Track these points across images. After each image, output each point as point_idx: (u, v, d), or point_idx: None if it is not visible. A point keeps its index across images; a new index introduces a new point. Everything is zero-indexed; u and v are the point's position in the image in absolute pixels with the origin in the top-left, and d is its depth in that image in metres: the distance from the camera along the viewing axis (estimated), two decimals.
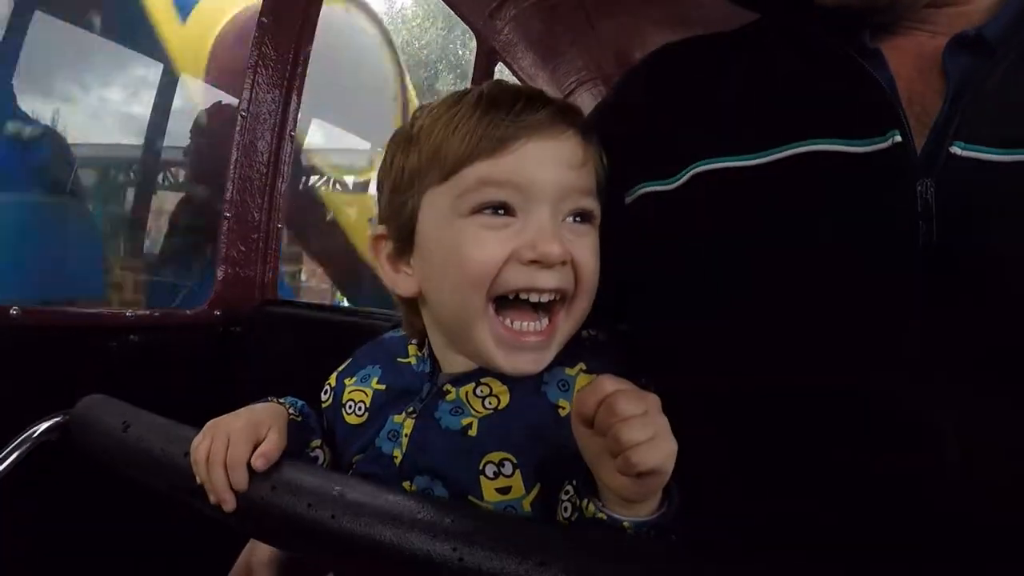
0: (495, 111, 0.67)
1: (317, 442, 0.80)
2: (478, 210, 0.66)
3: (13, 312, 0.99)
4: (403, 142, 0.73)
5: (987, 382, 0.56)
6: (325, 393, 0.84)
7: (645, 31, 2.12)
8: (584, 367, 0.72)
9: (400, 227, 0.73)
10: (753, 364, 0.65)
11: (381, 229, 0.75)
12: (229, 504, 0.65)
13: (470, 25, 1.98)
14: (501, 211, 0.67)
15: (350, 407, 0.79)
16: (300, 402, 0.82)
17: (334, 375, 0.85)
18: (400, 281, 0.75)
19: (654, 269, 0.73)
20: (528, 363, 0.68)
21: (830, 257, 0.61)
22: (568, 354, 0.72)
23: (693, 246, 0.69)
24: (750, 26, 0.81)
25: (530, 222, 0.66)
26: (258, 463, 0.65)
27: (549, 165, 0.67)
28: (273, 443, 0.67)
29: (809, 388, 0.61)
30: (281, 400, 0.79)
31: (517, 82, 2.29)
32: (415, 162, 0.70)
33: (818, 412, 0.60)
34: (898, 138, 0.61)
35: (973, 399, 0.55)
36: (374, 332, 0.90)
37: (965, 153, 0.59)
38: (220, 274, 1.34)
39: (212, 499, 0.66)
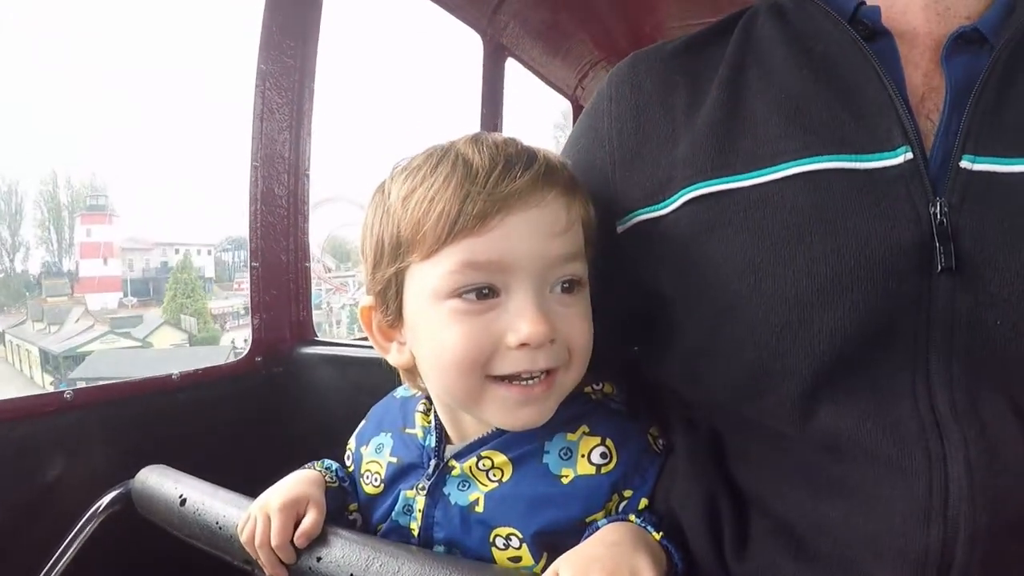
0: (471, 183, 0.64)
1: (354, 505, 0.83)
2: (460, 293, 0.65)
3: (67, 396, 1.06)
4: (381, 207, 0.71)
5: (1014, 405, 0.53)
6: (348, 458, 0.88)
7: (653, 2, 2.07)
8: (587, 429, 0.72)
9: (387, 301, 0.71)
10: (757, 391, 0.62)
11: (369, 300, 0.74)
12: None
13: (473, 27, 1.95)
14: (486, 291, 0.65)
15: (367, 478, 0.82)
16: (335, 465, 0.86)
17: (352, 439, 0.88)
18: (393, 352, 0.75)
19: (655, 300, 0.71)
20: (535, 415, 0.68)
21: (840, 282, 0.57)
22: (571, 416, 0.71)
23: (691, 274, 0.66)
24: (733, 18, 0.74)
25: (513, 303, 0.65)
26: (300, 541, 0.71)
27: (531, 238, 0.65)
28: (312, 521, 0.72)
29: (817, 418, 0.58)
30: (319, 466, 0.83)
31: (529, 74, 2.27)
32: (394, 235, 0.68)
33: (828, 440, 0.58)
34: (909, 155, 0.57)
35: (995, 427, 0.53)
36: None
37: (977, 167, 0.55)
38: (256, 322, 1.39)
39: (267, 572, 0.72)
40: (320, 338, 1.46)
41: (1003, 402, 0.54)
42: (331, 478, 0.82)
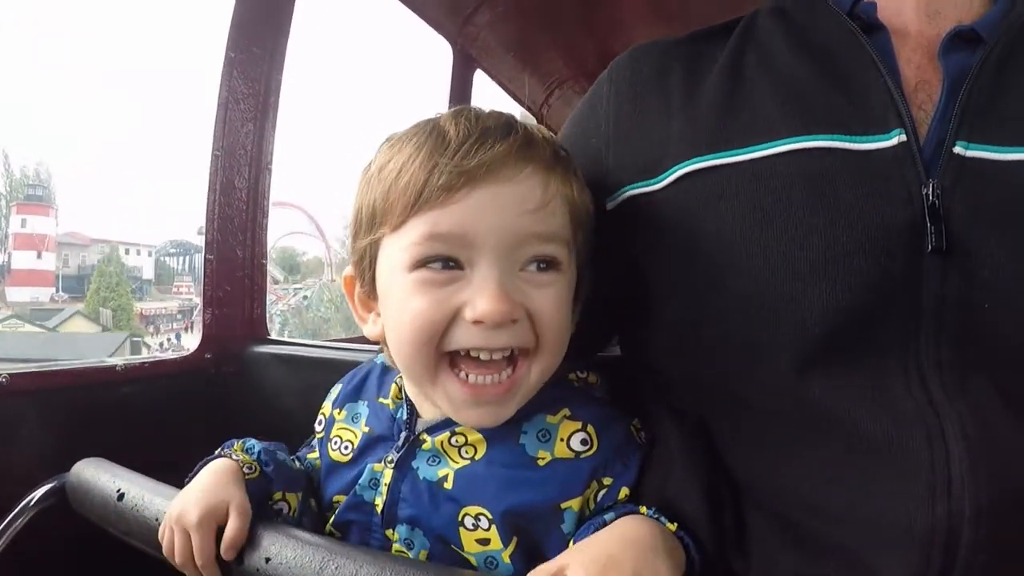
0: (441, 153, 0.63)
1: (279, 494, 0.77)
2: (424, 264, 0.63)
3: (2, 380, 1.00)
4: (365, 177, 0.70)
5: (1001, 389, 0.54)
6: (319, 424, 0.85)
7: (623, 24, 2.10)
8: (568, 413, 0.69)
9: (363, 272, 0.71)
10: (748, 365, 0.62)
11: (350, 270, 0.74)
12: None
13: (444, 35, 1.95)
14: (451, 264, 0.63)
15: (336, 443, 0.79)
16: (258, 447, 0.80)
17: (328, 403, 0.85)
18: (369, 324, 0.74)
19: (643, 277, 0.70)
20: (486, 417, 0.66)
21: (832, 256, 0.57)
22: (552, 398, 0.70)
23: (682, 248, 0.66)
24: (735, 20, 0.77)
25: (477, 277, 0.63)
26: (228, 554, 0.66)
27: (498, 213, 0.63)
28: (236, 529, 0.67)
29: (812, 395, 0.58)
30: (238, 450, 0.78)
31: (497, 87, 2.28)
32: (371, 204, 0.68)
33: (823, 420, 0.57)
34: (903, 137, 0.58)
35: (986, 408, 0.53)
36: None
37: (969, 153, 0.57)
38: (207, 317, 1.34)
39: None
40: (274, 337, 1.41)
41: (990, 383, 0.54)
42: (250, 468, 0.75)
